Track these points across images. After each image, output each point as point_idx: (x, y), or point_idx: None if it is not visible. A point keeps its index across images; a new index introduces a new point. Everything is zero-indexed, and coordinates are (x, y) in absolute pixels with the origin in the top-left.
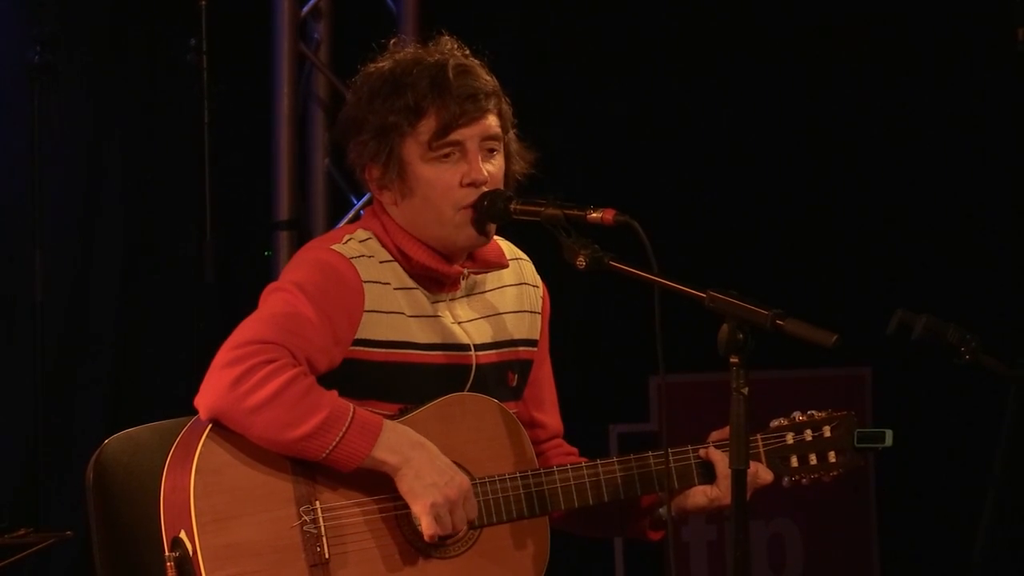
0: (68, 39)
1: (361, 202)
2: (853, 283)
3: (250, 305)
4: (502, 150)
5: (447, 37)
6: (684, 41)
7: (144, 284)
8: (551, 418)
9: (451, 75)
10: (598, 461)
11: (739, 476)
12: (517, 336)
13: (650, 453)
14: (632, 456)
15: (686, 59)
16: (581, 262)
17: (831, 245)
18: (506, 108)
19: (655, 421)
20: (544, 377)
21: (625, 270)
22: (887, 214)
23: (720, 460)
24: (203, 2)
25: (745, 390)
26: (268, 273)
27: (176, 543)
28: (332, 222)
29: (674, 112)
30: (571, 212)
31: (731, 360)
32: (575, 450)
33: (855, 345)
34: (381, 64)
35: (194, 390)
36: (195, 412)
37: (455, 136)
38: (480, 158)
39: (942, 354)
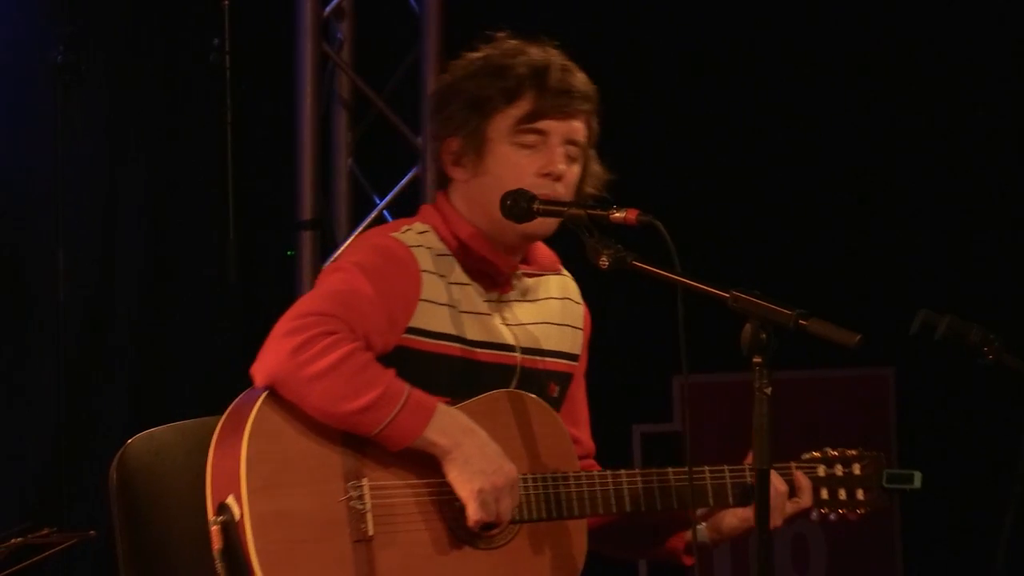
0: (91, 39)
1: (384, 202)
2: (876, 283)
3: (273, 305)
4: (580, 161)
5: (549, 42)
6: (699, 40)
7: (166, 284)
8: (584, 436)
9: (554, 69)
10: (639, 470)
11: (762, 476)
12: (561, 348)
13: (707, 468)
14: (670, 470)
15: (703, 57)
16: (604, 262)
17: (855, 245)
18: (595, 125)
19: (678, 421)
20: (580, 395)
21: (648, 270)
22: (911, 213)
23: None
24: (226, 2)
25: (768, 390)
26: (291, 273)
27: (222, 508)
28: (355, 222)
29: (697, 109)
30: (594, 212)
31: (754, 360)
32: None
33: (878, 345)
34: (481, 51)
35: (217, 389)
36: (218, 412)
37: (542, 125)
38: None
39: (965, 354)
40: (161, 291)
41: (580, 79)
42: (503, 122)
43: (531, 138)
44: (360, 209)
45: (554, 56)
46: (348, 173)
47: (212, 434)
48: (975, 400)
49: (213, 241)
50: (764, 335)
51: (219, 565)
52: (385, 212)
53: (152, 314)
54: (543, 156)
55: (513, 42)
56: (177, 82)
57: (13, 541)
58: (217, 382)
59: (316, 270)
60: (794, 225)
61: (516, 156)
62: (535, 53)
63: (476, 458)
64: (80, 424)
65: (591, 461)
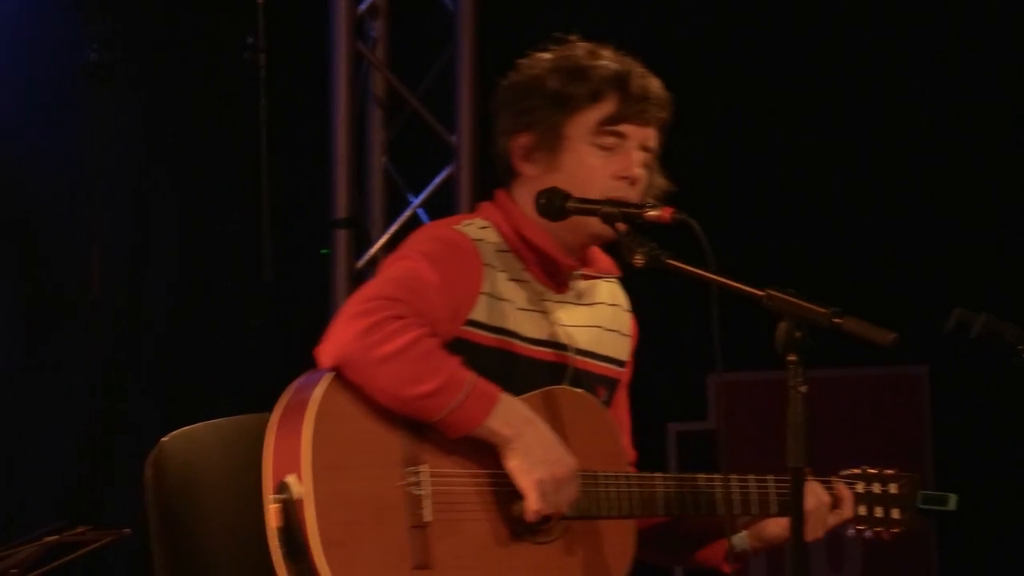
0: (124, 37)
1: (418, 200)
2: (911, 281)
3: (307, 303)
4: (649, 168)
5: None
6: (729, 36)
7: (201, 283)
8: (627, 443)
9: (636, 74)
10: (686, 474)
11: (796, 475)
12: (610, 354)
13: (751, 476)
14: (716, 476)
15: (731, 50)
16: (639, 260)
17: (889, 243)
18: (662, 135)
19: (713, 419)
20: (624, 402)
21: (683, 268)
22: (946, 211)
23: (808, 493)
24: (260, 1)
25: (803, 388)
26: (325, 271)
27: (283, 486)
28: (389, 220)
29: (732, 104)
30: (628, 210)
31: (789, 358)
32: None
33: (913, 343)
34: (556, 52)
35: (252, 387)
36: (253, 410)
37: (623, 128)
38: None
39: (1000, 353)
40: (195, 290)
41: (659, 86)
42: (584, 122)
43: (610, 140)
44: (394, 207)
45: (631, 61)
46: (382, 171)
47: (247, 432)
48: (1010, 399)
49: (247, 239)
50: (799, 333)
51: (276, 543)
52: (419, 210)
53: (186, 313)
54: (620, 159)
55: (586, 44)
56: (211, 81)
57: (48, 539)
58: (252, 380)
59: (350, 268)
60: (829, 223)
61: (593, 157)
62: (612, 57)
63: (537, 449)
64: (115, 422)
65: (633, 469)
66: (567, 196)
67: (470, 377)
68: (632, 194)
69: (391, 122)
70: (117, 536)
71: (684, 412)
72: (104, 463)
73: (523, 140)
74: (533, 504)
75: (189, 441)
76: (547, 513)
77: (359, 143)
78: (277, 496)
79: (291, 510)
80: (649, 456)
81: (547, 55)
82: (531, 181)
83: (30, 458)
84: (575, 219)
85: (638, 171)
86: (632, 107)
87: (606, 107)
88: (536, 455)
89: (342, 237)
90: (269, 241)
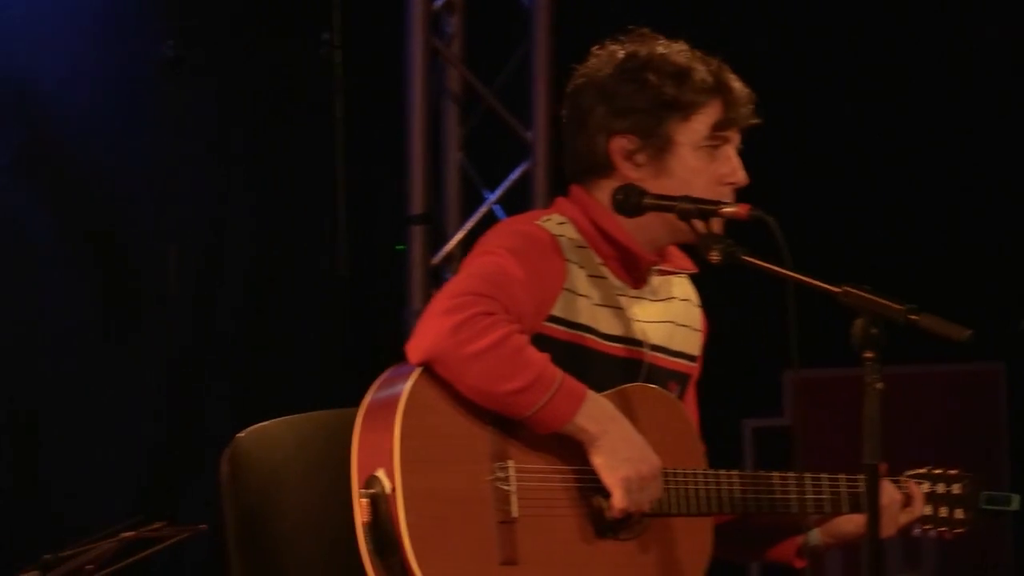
0: (200, 33)
1: (494, 196)
2: (987, 277)
3: (382, 300)
4: None
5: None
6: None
7: (275, 279)
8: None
9: (731, 76)
10: (761, 472)
11: (872, 471)
12: (683, 349)
13: (824, 476)
14: (791, 474)
15: (807, 51)
16: (715, 256)
17: (967, 239)
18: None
19: (789, 416)
20: (693, 397)
21: (759, 264)
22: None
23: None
24: None
25: (879, 385)
26: (401, 267)
27: (372, 481)
28: (465, 216)
29: (805, 103)
30: (705, 206)
31: (865, 355)
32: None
33: (989, 340)
34: (632, 47)
35: (326, 383)
36: (327, 407)
37: (729, 132)
38: None
39: None
40: (270, 286)
41: (746, 86)
42: (695, 127)
43: (715, 144)
44: (470, 204)
45: (717, 60)
46: (458, 167)
47: (322, 428)
48: None
49: (323, 236)
50: (875, 330)
51: (365, 539)
52: (495, 207)
53: (261, 309)
54: (725, 163)
55: (661, 39)
56: (287, 77)
57: (124, 535)
58: (326, 376)
59: (426, 265)
60: (904, 219)
61: (702, 162)
62: (699, 55)
63: (623, 446)
64: (190, 418)
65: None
66: (644, 192)
67: (559, 374)
68: (732, 199)
69: (467, 118)
70: (193, 532)
71: (760, 408)
72: (181, 459)
73: (625, 141)
74: (619, 501)
75: (264, 437)
76: (632, 510)
77: (434, 139)
78: (365, 491)
79: (380, 505)
80: (724, 453)
81: (627, 49)
82: (630, 182)
83: (107, 454)
84: (652, 216)
85: (743, 175)
86: (738, 111)
87: (713, 112)
88: (622, 453)
89: (417, 233)
90: (344, 237)
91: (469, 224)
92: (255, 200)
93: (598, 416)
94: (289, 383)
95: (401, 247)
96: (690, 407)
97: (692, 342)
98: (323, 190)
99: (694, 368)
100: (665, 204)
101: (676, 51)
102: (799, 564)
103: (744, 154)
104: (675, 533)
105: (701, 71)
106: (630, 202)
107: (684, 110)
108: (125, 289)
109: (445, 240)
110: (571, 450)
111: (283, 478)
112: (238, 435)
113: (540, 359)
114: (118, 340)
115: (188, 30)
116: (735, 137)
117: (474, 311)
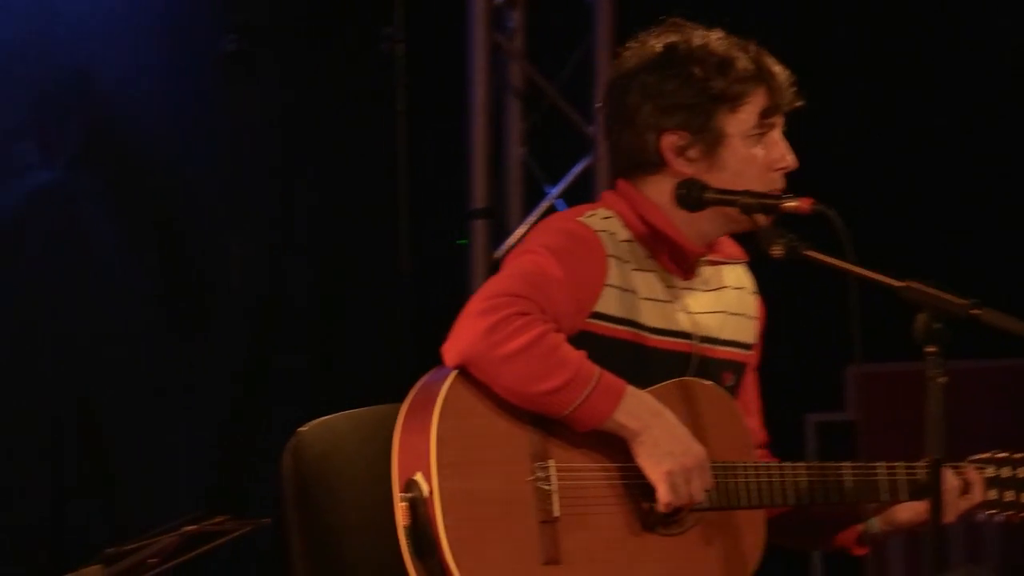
0: (263, 27)
1: (556, 191)
2: None
3: (444, 294)
4: None
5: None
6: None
7: (338, 273)
8: (757, 426)
9: (771, 60)
10: (816, 463)
11: (935, 467)
12: (736, 338)
13: (882, 464)
14: (846, 464)
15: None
16: (777, 250)
17: None
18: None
19: (852, 410)
20: (753, 384)
21: (822, 259)
22: None
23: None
24: None
25: (942, 379)
26: (462, 262)
27: (411, 484)
28: (526, 211)
29: (870, 99)
30: (767, 201)
31: (928, 349)
32: (778, 460)
33: None
34: (669, 39)
35: (388, 378)
36: (389, 401)
37: (775, 119)
38: None
39: None
40: (332, 280)
41: (785, 69)
42: (745, 118)
43: (763, 131)
44: (532, 198)
45: (754, 45)
46: (520, 162)
47: (384, 422)
48: None
49: (385, 230)
50: (937, 325)
51: (406, 542)
52: (557, 201)
53: (323, 303)
54: (774, 149)
55: (699, 29)
56: (349, 71)
57: (187, 529)
58: (388, 370)
59: (488, 259)
60: (964, 214)
61: (752, 151)
62: (738, 42)
63: (665, 440)
64: (253, 412)
65: (765, 451)
66: (705, 187)
67: (596, 371)
68: (783, 183)
69: (528, 113)
70: (256, 526)
71: (823, 403)
72: (244, 453)
73: (675, 138)
74: (664, 496)
75: (327, 431)
76: (678, 504)
77: (496, 134)
78: (405, 495)
79: (419, 508)
80: (788, 447)
81: (663, 41)
82: (684, 177)
83: (172, 448)
84: (713, 209)
85: (792, 158)
86: (783, 95)
87: (759, 99)
88: (664, 446)
89: (479, 228)
90: (406, 232)
91: (531, 219)
92: (317, 194)
93: (638, 411)
94: (351, 377)
95: (463, 241)
96: (750, 395)
97: (747, 330)
98: (385, 184)
99: (751, 356)
100: (728, 198)
101: (714, 40)
102: (860, 551)
103: (810, 146)
104: (727, 526)
105: (743, 59)
106: (692, 196)
107: (732, 101)
108: (189, 283)
109: (507, 235)
110: (614, 447)
111: (344, 471)
112: (300, 428)
113: (576, 357)
114: (183, 335)
115: (251, 24)
116: (780, 121)
117: (508, 312)
